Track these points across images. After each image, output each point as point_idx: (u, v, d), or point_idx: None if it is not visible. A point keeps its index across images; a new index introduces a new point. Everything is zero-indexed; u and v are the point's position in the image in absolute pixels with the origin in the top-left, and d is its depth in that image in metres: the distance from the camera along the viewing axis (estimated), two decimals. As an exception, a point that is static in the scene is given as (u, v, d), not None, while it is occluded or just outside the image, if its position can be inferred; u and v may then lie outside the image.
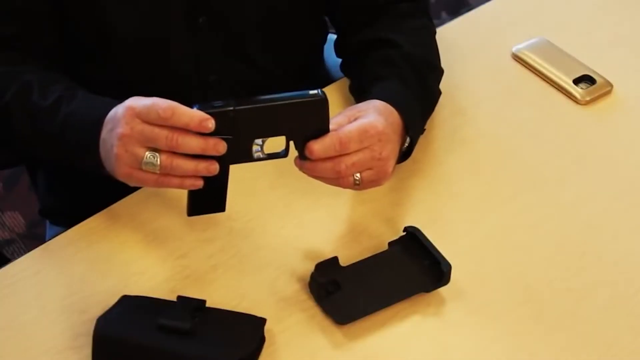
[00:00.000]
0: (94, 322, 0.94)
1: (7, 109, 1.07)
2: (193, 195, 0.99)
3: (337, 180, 1.00)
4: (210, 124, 0.92)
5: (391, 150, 1.03)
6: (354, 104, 1.11)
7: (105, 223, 1.09)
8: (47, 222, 1.37)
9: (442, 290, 1.02)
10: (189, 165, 0.94)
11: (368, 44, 1.20)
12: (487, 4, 1.44)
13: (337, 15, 1.26)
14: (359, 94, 1.17)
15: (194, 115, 0.92)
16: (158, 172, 0.94)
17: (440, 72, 1.22)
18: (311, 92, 0.96)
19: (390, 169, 1.03)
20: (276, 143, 0.97)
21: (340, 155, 0.98)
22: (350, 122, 1.01)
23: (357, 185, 1.01)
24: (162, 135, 0.92)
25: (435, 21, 1.27)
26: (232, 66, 1.21)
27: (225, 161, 0.95)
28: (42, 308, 1.00)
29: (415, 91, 1.13)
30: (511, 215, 1.11)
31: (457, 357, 0.97)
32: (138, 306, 0.97)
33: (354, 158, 0.99)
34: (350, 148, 0.98)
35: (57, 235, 1.08)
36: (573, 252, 1.08)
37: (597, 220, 1.11)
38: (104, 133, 0.98)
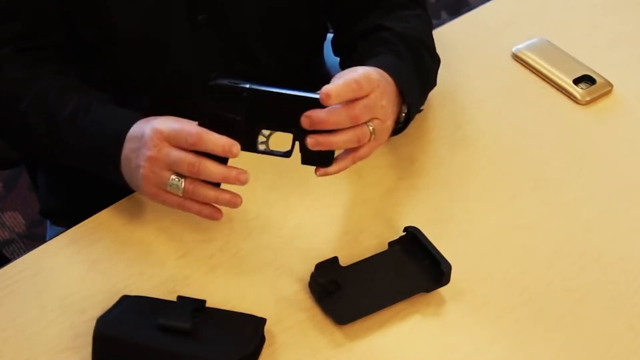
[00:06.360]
0: (94, 322, 0.94)
1: (25, 118, 1.08)
2: None
3: (354, 131, 0.98)
4: (235, 149, 0.94)
5: (388, 103, 1.02)
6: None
7: (105, 223, 1.09)
8: (47, 222, 1.37)
9: (442, 290, 1.02)
10: (210, 193, 0.97)
11: (361, 34, 1.19)
12: (487, 4, 1.44)
13: (335, 12, 1.26)
14: None
15: (219, 142, 0.94)
16: (181, 194, 0.97)
17: (437, 58, 1.21)
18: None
19: (391, 126, 1.03)
20: (282, 142, 0.98)
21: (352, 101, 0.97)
22: None
23: (373, 136, 0.99)
24: (185, 161, 0.94)
25: (435, 21, 1.27)
26: (233, 64, 1.21)
27: None
28: (42, 308, 1.00)
29: (410, 64, 1.11)
30: (511, 215, 1.11)
31: (457, 357, 0.97)
32: (138, 306, 0.97)
33: (365, 100, 0.98)
34: (364, 88, 0.97)
35: (57, 235, 1.08)
36: (573, 252, 1.07)
37: (597, 220, 1.11)
38: (128, 151, 0.99)
